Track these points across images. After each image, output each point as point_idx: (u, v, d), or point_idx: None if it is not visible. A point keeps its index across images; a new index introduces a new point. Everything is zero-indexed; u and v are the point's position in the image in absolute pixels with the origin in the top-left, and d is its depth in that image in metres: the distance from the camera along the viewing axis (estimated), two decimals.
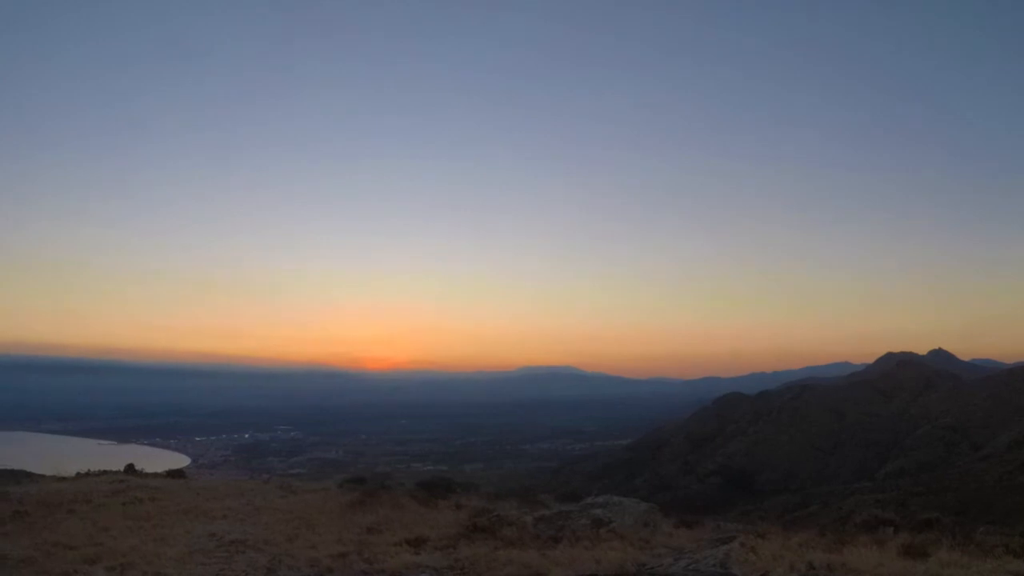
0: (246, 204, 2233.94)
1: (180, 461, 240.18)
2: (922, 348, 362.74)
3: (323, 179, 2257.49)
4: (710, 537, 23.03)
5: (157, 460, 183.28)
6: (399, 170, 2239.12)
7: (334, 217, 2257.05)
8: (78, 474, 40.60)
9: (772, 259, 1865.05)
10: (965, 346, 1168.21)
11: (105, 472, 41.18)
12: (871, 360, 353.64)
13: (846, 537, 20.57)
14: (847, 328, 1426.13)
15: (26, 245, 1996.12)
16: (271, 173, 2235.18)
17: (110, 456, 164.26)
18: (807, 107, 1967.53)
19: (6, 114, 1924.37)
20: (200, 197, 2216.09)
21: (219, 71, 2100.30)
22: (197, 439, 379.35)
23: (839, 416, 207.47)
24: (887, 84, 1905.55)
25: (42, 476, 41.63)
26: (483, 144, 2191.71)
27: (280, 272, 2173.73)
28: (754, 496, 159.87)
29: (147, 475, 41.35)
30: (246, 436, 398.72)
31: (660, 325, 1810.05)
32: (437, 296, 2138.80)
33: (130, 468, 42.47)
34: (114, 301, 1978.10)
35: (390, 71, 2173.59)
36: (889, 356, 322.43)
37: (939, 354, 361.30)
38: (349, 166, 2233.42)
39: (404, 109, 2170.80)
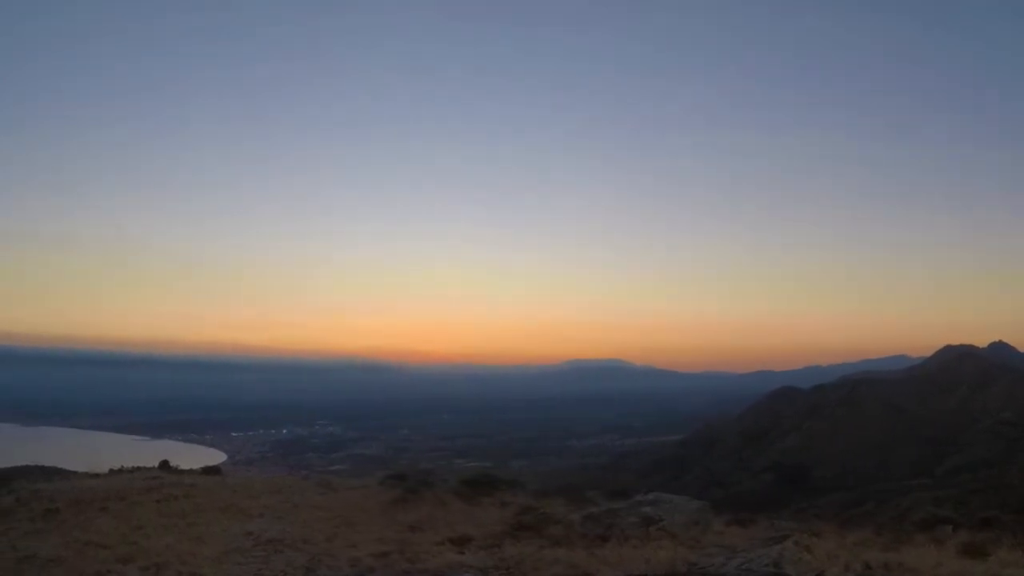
0: (283, 192, 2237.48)
1: (216, 457, 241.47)
2: (982, 340, 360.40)
3: (363, 167, 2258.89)
4: (763, 536, 22.95)
5: (192, 456, 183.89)
6: (441, 158, 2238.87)
7: (375, 206, 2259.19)
8: (111, 471, 40.65)
9: (826, 249, 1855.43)
10: None
11: (139, 468, 41.23)
12: (929, 353, 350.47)
13: (903, 536, 20.56)
14: (904, 320, 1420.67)
15: (55, 238, 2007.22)
16: (310, 160, 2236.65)
17: (144, 452, 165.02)
18: (858, 94, 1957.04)
19: (41, 105, 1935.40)
20: (233, 185, 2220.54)
21: (255, 55, 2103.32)
22: (233, 435, 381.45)
23: (896, 411, 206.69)
24: (957, 63, 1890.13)
25: (74, 473, 41.64)
26: (529, 132, 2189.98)
27: (319, 262, 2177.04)
28: (809, 493, 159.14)
29: (182, 472, 41.32)
30: (284, 431, 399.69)
31: (711, 317, 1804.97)
32: (481, 287, 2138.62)
33: (164, 464, 42.51)
34: (147, 293, 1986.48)
35: (429, 52, 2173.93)
36: (948, 349, 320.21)
37: (999, 347, 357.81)
38: (389, 154, 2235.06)
39: (444, 94, 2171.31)
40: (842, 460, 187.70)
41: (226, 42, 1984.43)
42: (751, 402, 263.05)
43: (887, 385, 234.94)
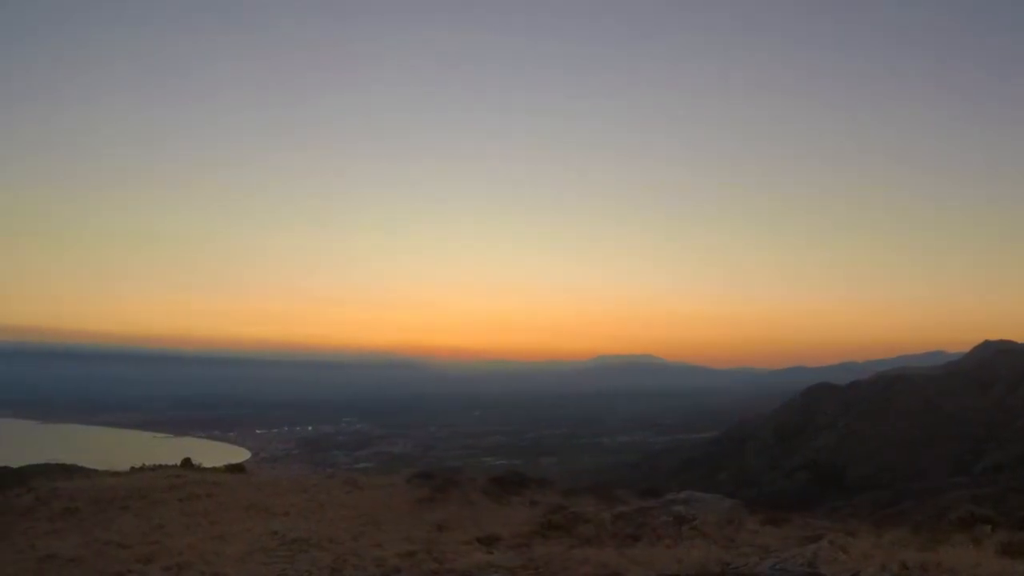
0: (310, 187, 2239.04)
1: (240, 455, 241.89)
2: (1021, 336, 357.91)
3: (390, 161, 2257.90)
4: (798, 535, 22.93)
5: (215, 454, 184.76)
6: (469, 153, 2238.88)
7: (403, 201, 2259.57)
8: (132, 469, 40.75)
9: (862, 244, 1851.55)
10: None
11: (161, 466, 41.39)
12: (967, 349, 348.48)
13: (941, 535, 20.39)
14: (942, 315, 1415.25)
15: (74, 232, 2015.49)
16: (336, 154, 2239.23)
17: (166, 450, 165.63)
18: (898, 83, 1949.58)
19: (54, 100, 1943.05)
20: (259, 180, 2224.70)
21: (285, 38, 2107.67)
22: (258, 432, 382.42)
23: (933, 408, 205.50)
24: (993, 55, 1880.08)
25: (95, 471, 41.76)
26: (559, 126, 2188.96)
27: (346, 255, 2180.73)
28: (844, 492, 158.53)
29: (205, 470, 41.48)
30: (309, 428, 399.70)
31: (744, 313, 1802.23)
32: (510, 282, 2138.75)
33: (187, 462, 42.63)
34: (169, 288, 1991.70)
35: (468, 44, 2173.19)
36: (987, 344, 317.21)
37: None
38: (416, 148, 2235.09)
39: (477, 86, 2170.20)
40: (878, 458, 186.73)
41: (236, 36, 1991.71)
42: (784, 399, 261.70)
43: (924, 382, 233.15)
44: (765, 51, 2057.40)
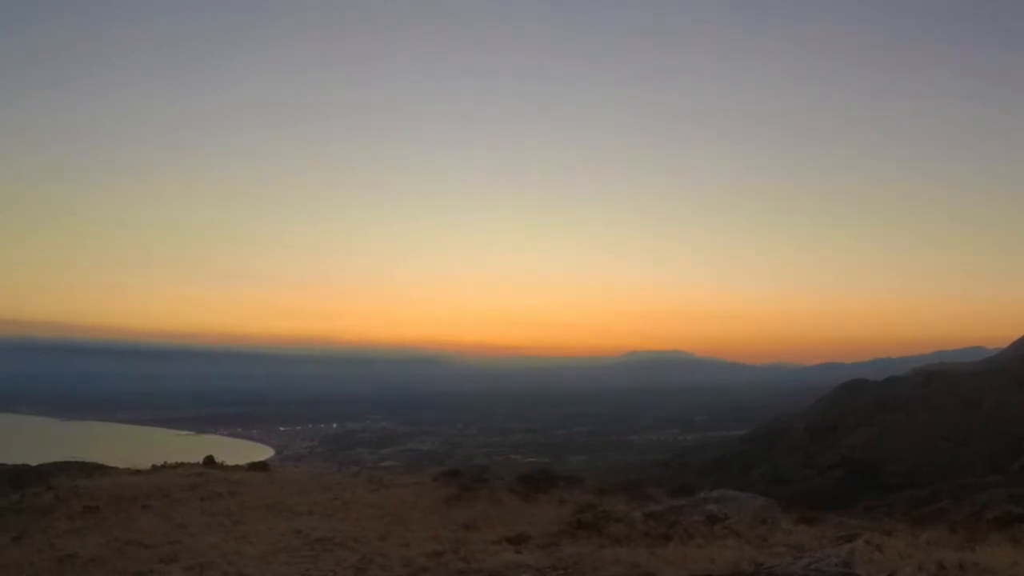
0: (334, 177, 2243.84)
1: (263, 452, 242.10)
2: None
3: (414, 157, 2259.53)
4: (832, 534, 22.73)
5: (238, 451, 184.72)
6: (494, 147, 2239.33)
7: (428, 194, 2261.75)
8: (153, 467, 40.77)
9: (898, 238, 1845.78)
10: None
11: (182, 464, 41.39)
12: (1006, 344, 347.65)
13: (978, 534, 20.23)
14: (980, 310, 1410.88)
15: (94, 227, 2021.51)
16: (366, 146, 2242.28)
17: (187, 447, 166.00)
18: (932, 79, 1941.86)
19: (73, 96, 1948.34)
20: (282, 173, 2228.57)
21: (308, 35, 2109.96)
22: (281, 429, 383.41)
23: (971, 405, 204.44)
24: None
25: (115, 469, 41.79)
26: (586, 122, 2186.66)
27: (372, 250, 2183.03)
28: (879, 490, 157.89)
29: (227, 468, 41.40)
30: (334, 426, 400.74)
31: (777, 307, 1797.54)
32: (538, 277, 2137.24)
33: (209, 460, 42.62)
34: (191, 282, 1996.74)
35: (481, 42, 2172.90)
36: None
37: None
38: (438, 144, 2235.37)
39: (508, 79, 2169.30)
40: (914, 456, 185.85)
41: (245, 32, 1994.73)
42: (818, 395, 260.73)
43: (961, 378, 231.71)
44: (799, 44, 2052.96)
